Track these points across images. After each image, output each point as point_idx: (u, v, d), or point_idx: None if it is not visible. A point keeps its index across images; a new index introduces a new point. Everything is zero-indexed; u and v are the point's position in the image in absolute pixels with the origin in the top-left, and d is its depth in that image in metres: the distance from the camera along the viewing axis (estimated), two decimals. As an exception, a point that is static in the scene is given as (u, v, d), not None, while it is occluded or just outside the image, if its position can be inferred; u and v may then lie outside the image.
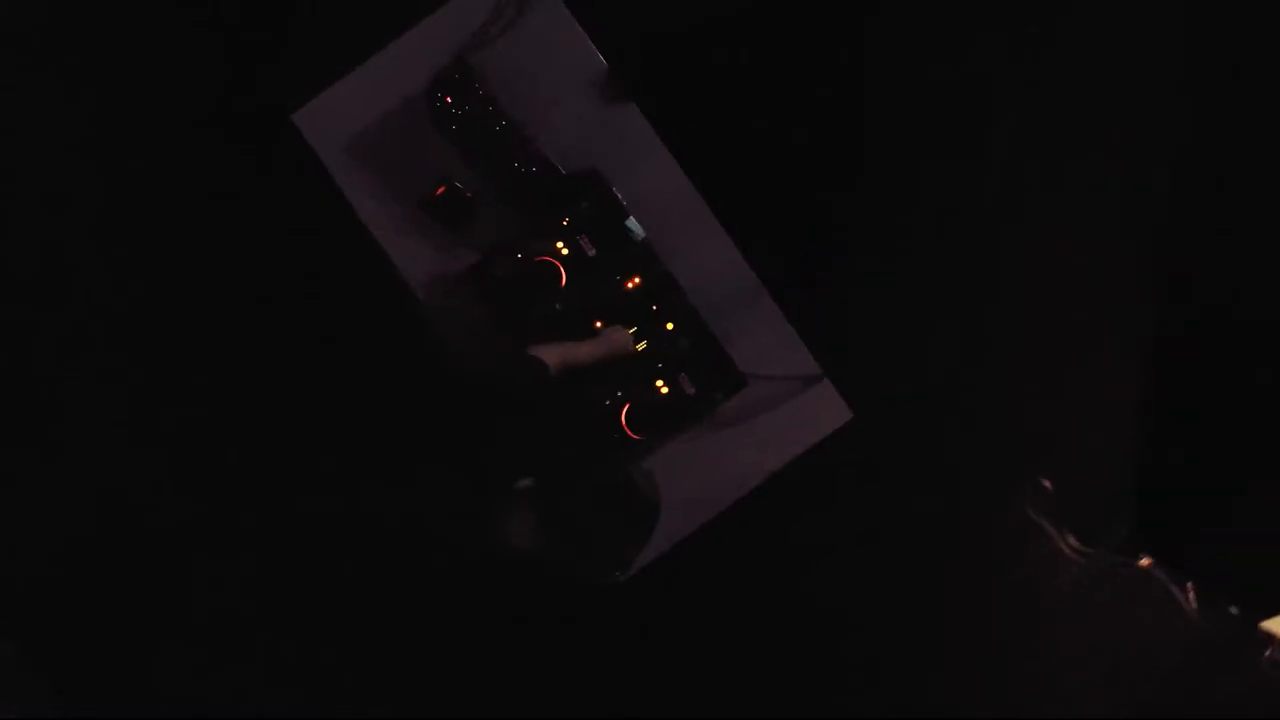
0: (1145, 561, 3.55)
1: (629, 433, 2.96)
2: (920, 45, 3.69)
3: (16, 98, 3.75)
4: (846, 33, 3.67)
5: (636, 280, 2.98)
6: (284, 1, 3.67)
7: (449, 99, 2.99)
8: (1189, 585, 3.52)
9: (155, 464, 3.77)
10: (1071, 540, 3.61)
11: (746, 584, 3.76)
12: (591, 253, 2.96)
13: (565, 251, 2.95)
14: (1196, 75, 3.65)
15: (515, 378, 2.75)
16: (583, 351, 2.92)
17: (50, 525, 3.79)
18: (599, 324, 2.98)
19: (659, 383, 2.99)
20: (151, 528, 3.77)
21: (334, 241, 3.34)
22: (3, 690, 3.79)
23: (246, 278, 3.71)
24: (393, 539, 3.55)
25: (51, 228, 3.76)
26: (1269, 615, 3.48)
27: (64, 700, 3.81)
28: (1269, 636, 3.48)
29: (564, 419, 2.85)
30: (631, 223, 2.98)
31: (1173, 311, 3.67)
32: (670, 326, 3.00)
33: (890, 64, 3.68)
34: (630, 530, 2.84)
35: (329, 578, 3.74)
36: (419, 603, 3.76)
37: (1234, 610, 3.50)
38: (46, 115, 3.76)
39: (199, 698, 3.82)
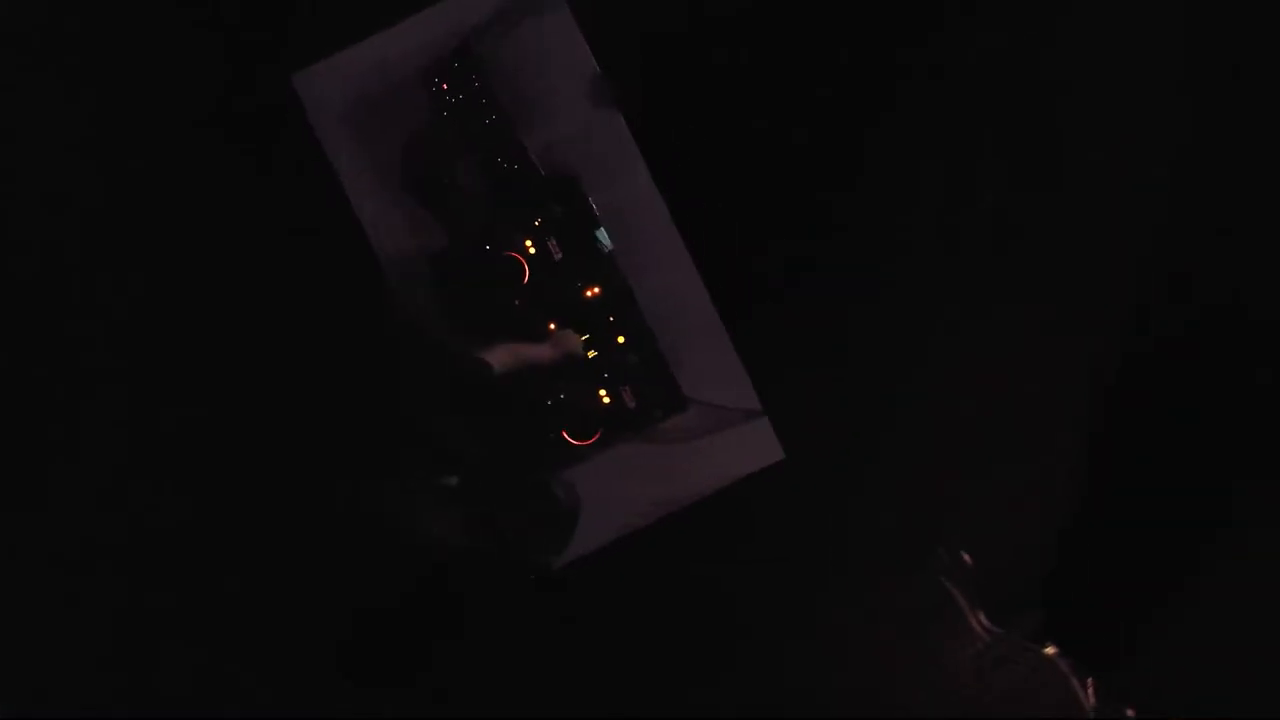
0: (1050, 650, 3.53)
1: (566, 436, 3.01)
2: (916, 47, 3.68)
3: (16, 98, 3.76)
4: (844, 41, 3.67)
5: (597, 290, 3.06)
6: (284, 2, 3.67)
7: (445, 85, 3.08)
8: (1090, 681, 3.50)
9: (155, 464, 3.76)
10: (982, 617, 3.60)
11: (645, 610, 3.75)
12: (558, 256, 3.04)
13: (533, 251, 3.03)
14: (1196, 75, 3.62)
15: (459, 379, 2.80)
16: (534, 354, 3.01)
17: (49, 525, 3.79)
18: (553, 326, 3.05)
19: (602, 392, 3.07)
20: (151, 528, 3.77)
21: (334, 241, 3.37)
22: (2, 690, 3.83)
23: (247, 278, 3.71)
24: (392, 538, 3.56)
25: (51, 228, 3.77)
26: (1160, 720, 3.50)
27: (63, 701, 3.82)
28: (1156, 741, 3.48)
29: (500, 424, 2.90)
30: (602, 234, 3.05)
31: (1173, 311, 3.65)
32: (622, 340, 3.08)
33: (883, 70, 3.68)
34: (547, 536, 2.89)
35: (329, 578, 3.73)
36: (419, 603, 3.75)
37: (1130, 713, 3.50)
38: (46, 115, 3.77)
39: (199, 698, 3.81)
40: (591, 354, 3.06)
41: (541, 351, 3.04)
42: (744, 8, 3.62)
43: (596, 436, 3.07)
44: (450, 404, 2.82)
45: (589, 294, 3.05)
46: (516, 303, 3.02)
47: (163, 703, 3.80)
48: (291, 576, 3.74)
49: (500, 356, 2.93)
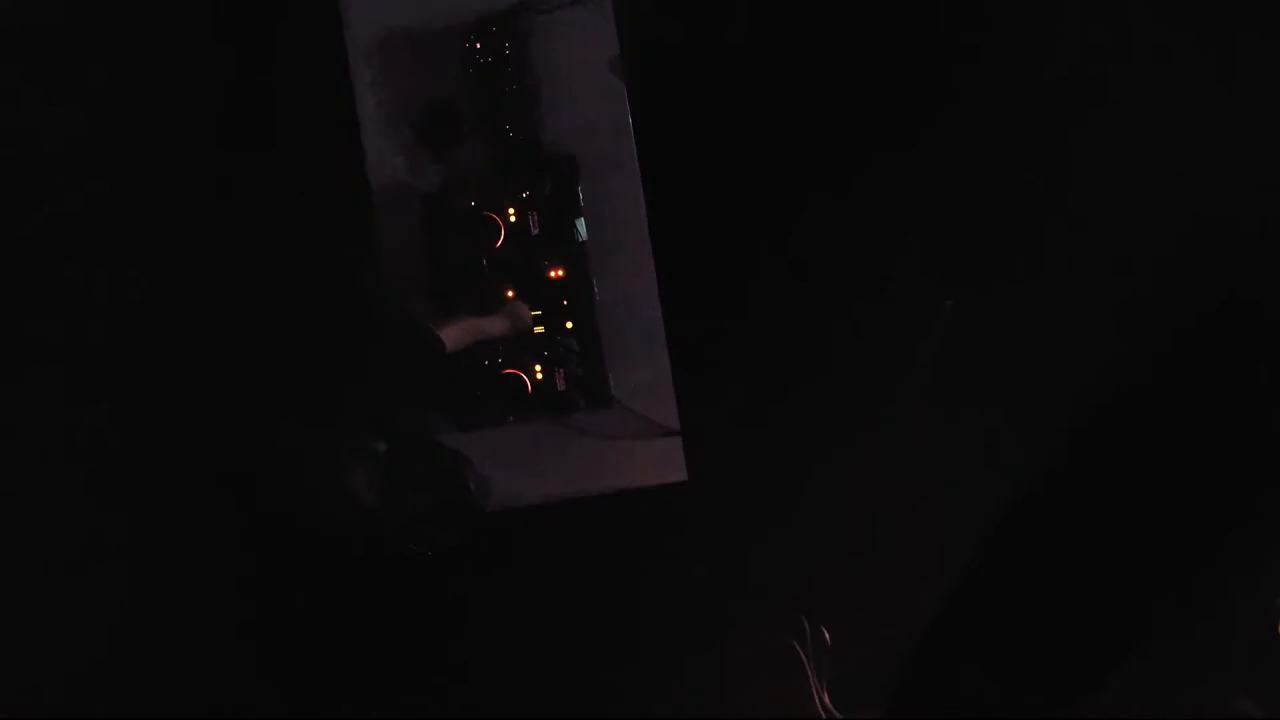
0: (880, 746, 3.59)
1: (493, 398, 3.12)
2: (914, 52, 3.79)
3: (16, 97, 3.84)
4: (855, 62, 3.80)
5: (560, 273, 3.17)
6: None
7: (479, 44, 3.15)
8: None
9: (155, 463, 3.85)
10: (825, 695, 3.68)
11: (513, 605, 3.90)
12: (534, 231, 3.13)
13: (513, 219, 3.12)
14: (1194, 79, 3.71)
15: (411, 352, 2.87)
16: (488, 326, 3.09)
17: (48, 525, 3.85)
18: (511, 293, 3.14)
19: (537, 367, 3.16)
20: (151, 526, 3.85)
21: (334, 240, 3.51)
22: (2, 690, 3.85)
23: (246, 276, 3.79)
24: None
25: (51, 227, 3.85)
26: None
27: (64, 701, 3.86)
28: None
29: (440, 398, 2.97)
30: (580, 223, 3.16)
31: (1174, 311, 3.72)
32: (569, 326, 3.18)
33: (878, 80, 3.79)
34: (449, 522, 2.94)
35: (328, 578, 3.82)
36: (419, 603, 3.86)
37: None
38: (46, 115, 3.85)
39: (199, 698, 3.87)
40: (538, 329, 3.16)
41: (494, 324, 3.11)
42: (758, 25, 3.78)
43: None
44: (396, 372, 2.87)
45: (552, 274, 3.15)
46: (484, 261, 3.10)
47: (163, 702, 3.84)
48: (291, 576, 3.81)
49: (454, 335, 3.02)
